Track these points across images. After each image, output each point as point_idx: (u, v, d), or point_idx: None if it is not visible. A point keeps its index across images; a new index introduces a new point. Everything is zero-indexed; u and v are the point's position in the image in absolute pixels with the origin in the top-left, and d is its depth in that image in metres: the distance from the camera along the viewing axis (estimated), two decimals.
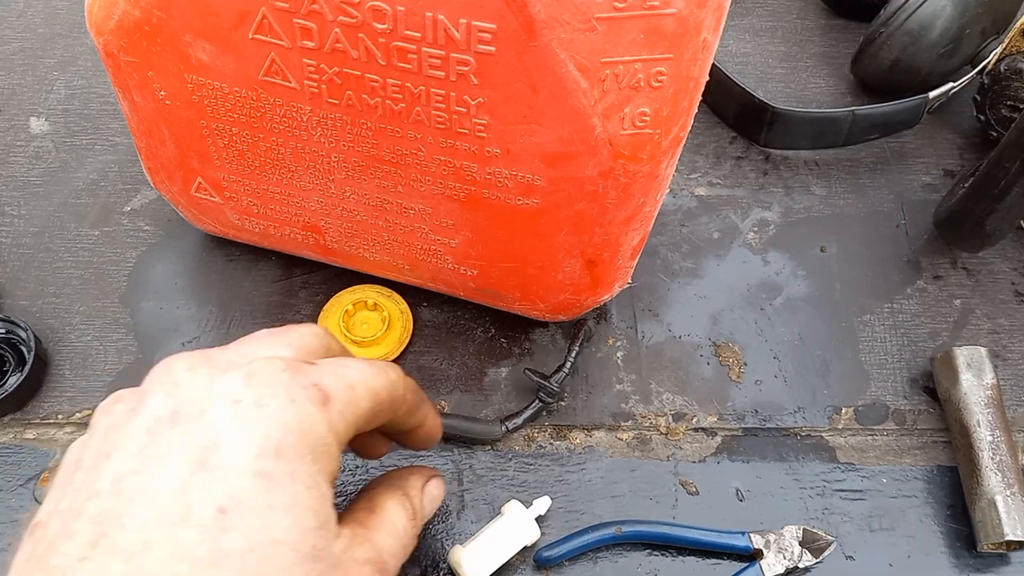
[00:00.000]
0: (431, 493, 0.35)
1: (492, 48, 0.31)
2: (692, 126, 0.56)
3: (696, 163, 0.55)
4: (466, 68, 0.32)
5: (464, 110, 0.34)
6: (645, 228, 0.40)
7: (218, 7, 0.33)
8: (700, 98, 0.35)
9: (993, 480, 0.42)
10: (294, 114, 0.37)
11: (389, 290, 0.48)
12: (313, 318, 0.47)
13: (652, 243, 0.51)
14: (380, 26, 0.32)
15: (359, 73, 0.34)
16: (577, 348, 0.45)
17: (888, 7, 0.53)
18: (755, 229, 0.53)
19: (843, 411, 0.46)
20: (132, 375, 0.46)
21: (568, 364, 0.45)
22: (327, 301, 0.48)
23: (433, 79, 0.33)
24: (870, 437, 0.46)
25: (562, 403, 0.46)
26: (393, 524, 0.31)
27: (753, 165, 0.55)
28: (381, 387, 0.30)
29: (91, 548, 0.23)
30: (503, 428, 0.43)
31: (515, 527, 0.40)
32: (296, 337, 0.30)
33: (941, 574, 0.42)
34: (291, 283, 0.49)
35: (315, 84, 0.35)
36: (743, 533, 0.42)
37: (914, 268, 0.51)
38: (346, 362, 0.29)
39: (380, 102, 0.35)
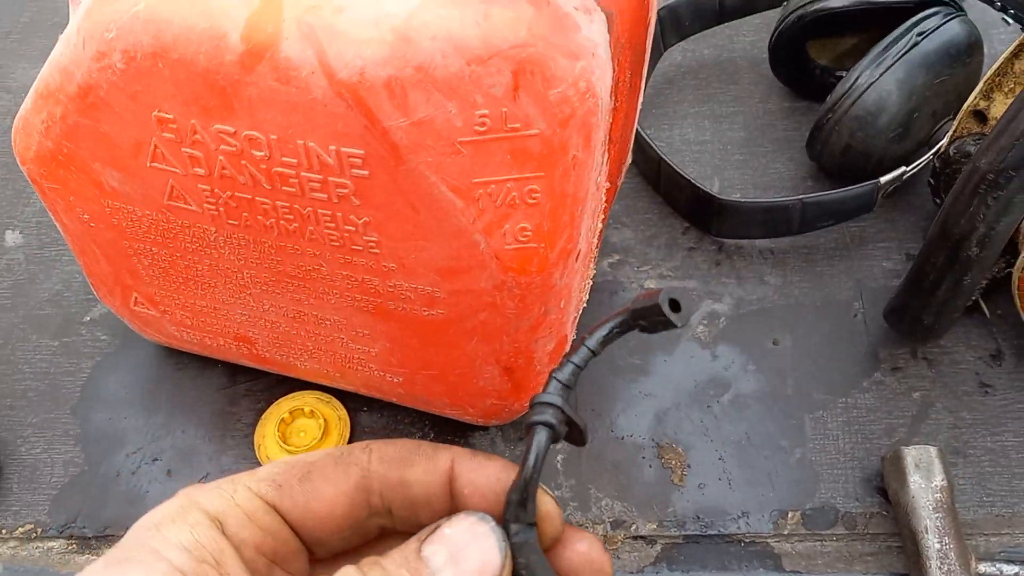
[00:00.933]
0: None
1: (365, 172, 0.32)
2: (645, 219, 0.56)
3: (648, 255, 0.55)
4: (345, 190, 0.33)
5: (353, 228, 0.35)
6: (558, 333, 0.40)
7: (116, 138, 0.35)
8: (585, 212, 0.35)
9: None
10: (202, 235, 0.38)
11: (329, 396, 0.48)
12: (254, 426, 0.48)
13: None
14: (258, 153, 0.33)
15: (250, 196, 0.35)
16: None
17: (834, 93, 0.53)
18: (705, 322, 0.51)
19: (790, 515, 0.44)
20: (76, 488, 0.46)
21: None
22: (268, 408, 0.48)
23: (318, 201, 0.34)
24: (818, 543, 0.44)
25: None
26: None
27: (705, 255, 0.55)
28: (304, 455, 0.26)
29: None
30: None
31: None
32: None
33: None
34: (235, 391, 0.50)
35: (214, 207, 0.36)
36: None
37: (872, 360, 0.50)
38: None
39: (275, 222, 0.36)
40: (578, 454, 0.47)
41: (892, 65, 0.52)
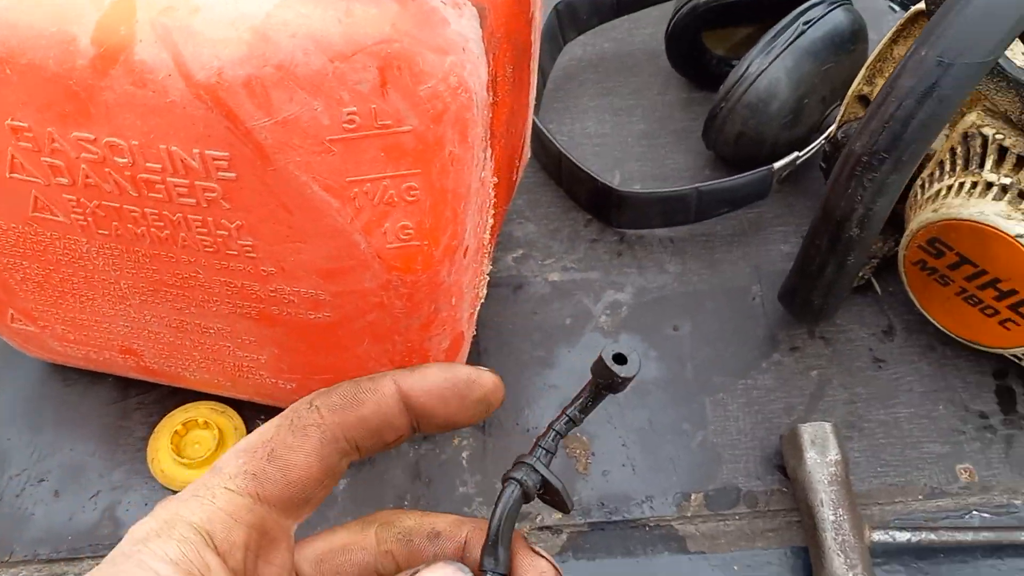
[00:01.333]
0: None
1: (232, 174, 0.31)
2: (548, 212, 0.56)
3: (551, 248, 0.55)
4: (213, 194, 0.32)
5: (226, 233, 0.34)
6: (452, 331, 0.40)
7: None
8: (469, 208, 0.35)
9: (836, 562, 0.40)
10: (73, 246, 0.36)
11: (224, 406, 0.47)
12: (147, 440, 0.46)
13: (504, 333, 0.51)
14: (121, 160, 0.31)
15: (117, 205, 0.33)
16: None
17: (726, 82, 0.54)
18: (608, 312, 0.52)
19: (693, 497, 0.45)
20: None
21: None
22: (160, 421, 0.46)
23: (187, 206, 0.33)
24: (721, 522, 0.44)
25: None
26: None
27: (608, 247, 0.55)
28: (259, 434, 0.27)
29: None
30: None
31: None
32: None
33: None
34: (126, 404, 0.48)
35: (81, 217, 0.35)
36: None
37: (770, 341, 0.51)
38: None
39: (145, 231, 0.34)
40: (484, 450, 0.46)
41: (780, 53, 0.53)
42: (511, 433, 0.47)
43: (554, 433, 0.27)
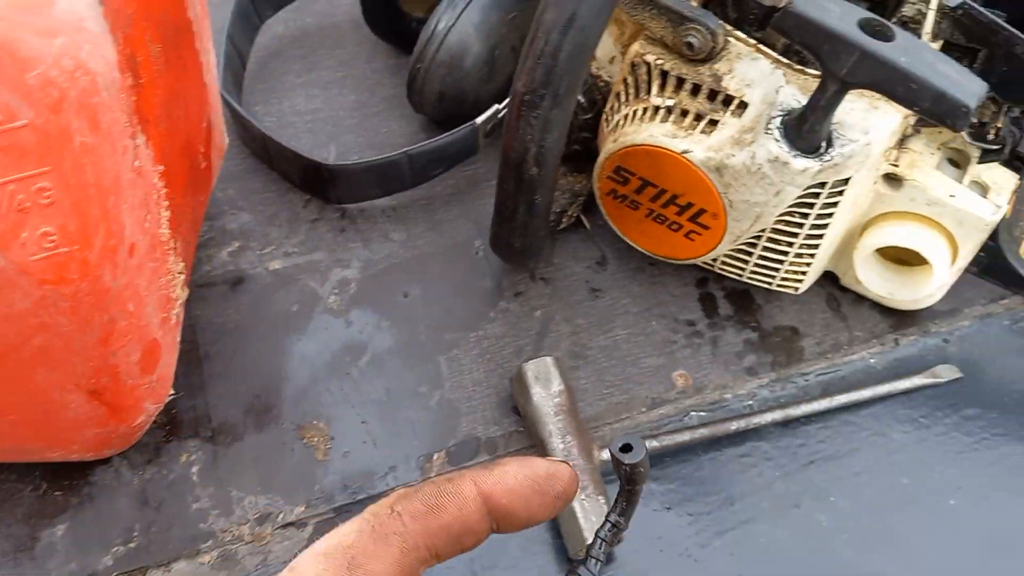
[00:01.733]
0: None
1: None
2: (263, 198, 0.55)
3: (269, 236, 0.53)
4: None
5: None
6: (142, 340, 0.37)
7: None
8: (123, 201, 0.33)
9: None
10: None
11: None
12: None
13: (226, 333, 0.49)
14: None
15: None
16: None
17: (419, 43, 0.54)
18: (336, 291, 0.51)
19: (435, 456, 0.46)
20: None
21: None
22: None
23: None
24: None
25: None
26: None
27: (329, 225, 0.54)
28: (340, 538, 0.26)
29: None
30: None
31: None
32: None
33: None
34: None
35: None
36: None
37: (496, 291, 0.52)
38: None
39: None
40: (215, 460, 0.45)
41: (465, 8, 0.54)
42: (242, 437, 0.46)
43: (600, 541, 0.29)
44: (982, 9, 0.43)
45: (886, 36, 0.36)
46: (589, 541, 0.40)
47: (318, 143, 0.58)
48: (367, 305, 0.51)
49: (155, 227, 0.36)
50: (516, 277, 0.53)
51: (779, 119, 0.41)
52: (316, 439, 0.46)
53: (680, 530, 0.44)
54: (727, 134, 0.43)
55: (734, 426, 0.47)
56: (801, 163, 0.41)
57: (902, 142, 0.46)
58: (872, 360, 0.51)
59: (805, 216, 0.45)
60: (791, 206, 0.44)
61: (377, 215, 0.55)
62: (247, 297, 0.50)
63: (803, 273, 0.49)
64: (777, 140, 0.41)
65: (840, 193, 0.44)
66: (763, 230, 0.46)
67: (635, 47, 0.46)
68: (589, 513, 0.42)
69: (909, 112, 0.43)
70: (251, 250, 0.53)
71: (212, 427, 0.46)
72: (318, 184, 0.54)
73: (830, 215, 0.45)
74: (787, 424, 0.49)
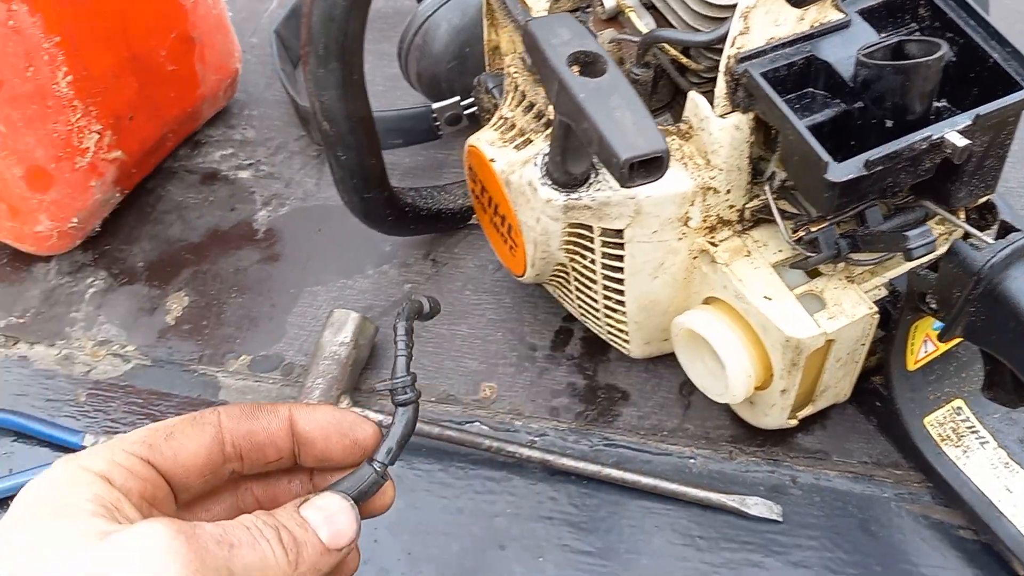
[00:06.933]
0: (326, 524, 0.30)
1: None
2: (276, 124, 0.65)
3: (256, 153, 0.63)
4: None
5: None
6: (21, 160, 0.49)
7: None
8: None
9: None
10: None
11: None
12: None
13: (178, 208, 0.60)
14: None
15: None
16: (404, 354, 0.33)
17: (406, 25, 0.59)
18: (270, 208, 0.60)
19: (242, 357, 0.52)
20: None
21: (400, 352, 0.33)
22: None
23: None
24: (255, 382, 0.52)
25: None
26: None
27: (304, 158, 0.63)
28: (162, 422, 0.31)
29: None
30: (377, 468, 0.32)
31: None
32: None
33: None
34: None
35: None
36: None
37: (390, 256, 0.57)
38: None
39: None
40: (106, 288, 0.56)
41: (447, 2, 0.57)
42: (134, 283, 0.56)
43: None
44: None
45: (593, 72, 0.34)
46: None
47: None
48: (288, 228, 0.59)
49: (44, 80, 0.48)
50: (414, 250, 0.57)
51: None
52: (175, 305, 0.55)
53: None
54: (528, 153, 0.43)
55: (486, 443, 0.47)
56: (546, 192, 0.40)
57: (751, 226, 0.42)
58: (692, 460, 0.47)
59: (592, 261, 0.43)
60: (568, 244, 0.43)
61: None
62: (213, 191, 0.61)
63: (623, 332, 0.47)
64: (536, 165, 0.41)
65: (619, 246, 0.41)
66: (563, 266, 0.45)
67: (508, 58, 0.47)
68: None
69: (708, 184, 0.40)
70: (236, 158, 0.63)
71: (123, 267, 0.57)
72: (305, 122, 0.63)
73: (619, 268, 0.43)
74: (552, 472, 0.47)
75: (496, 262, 0.54)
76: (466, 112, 0.59)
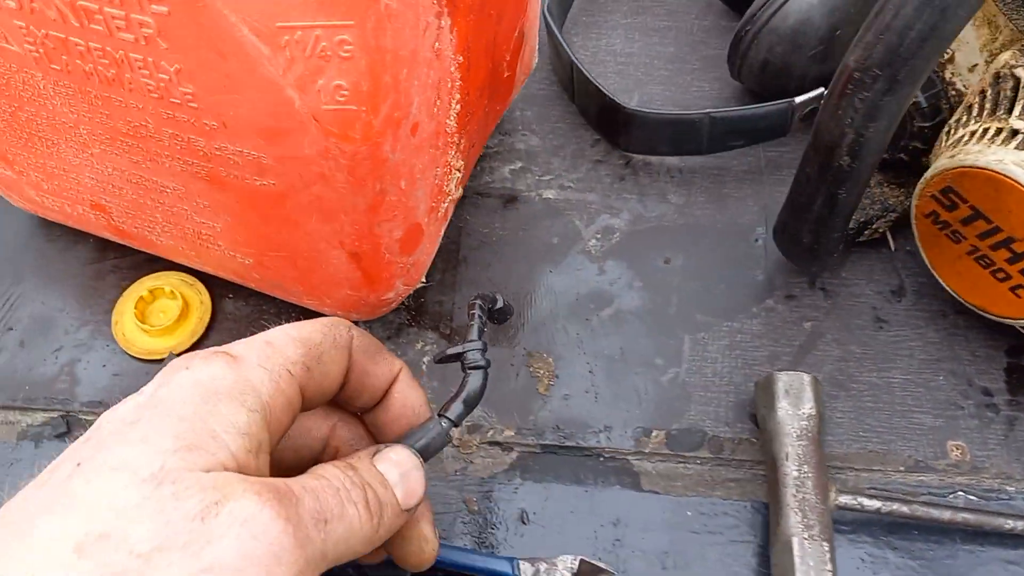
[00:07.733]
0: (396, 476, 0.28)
1: (164, 8, 0.30)
2: (555, 128, 0.54)
3: (551, 165, 0.52)
4: (150, 30, 0.31)
5: (167, 77, 0.32)
6: (406, 220, 0.38)
7: None
8: (414, 76, 0.32)
9: (792, 520, 0.37)
10: (32, 81, 0.36)
11: (194, 279, 0.46)
12: (115, 302, 0.46)
13: (486, 244, 0.49)
14: None
15: (63, 36, 0.33)
16: (476, 322, 0.34)
17: (755, 3, 0.50)
18: (598, 236, 0.49)
19: (654, 433, 0.42)
20: None
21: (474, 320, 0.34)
22: (130, 286, 0.46)
23: (127, 42, 0.32)
24: (680, 464, 0.42)
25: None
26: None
27: (611, 169, 0.52)
28: (310, 332, 0.28)
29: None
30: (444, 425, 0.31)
31: None
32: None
33: None
34: (102, 266, 0.48)
35: (34, 48, 0.34)
36: (511, 560, 0.38)
37: (766, 287, 0.47)
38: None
39: (93, 68, 0.34)
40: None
41: None
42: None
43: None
44: None
45: None
46: None
47: (624, 87, 0.56)
48: (625, 259, 0.48)
49: (443, 115, 0.36)
50: (792, 278, 0.47)
51: None
52: (542, 371, 0.44)
53: None
54: None
55: (1009, 524, 0.39)
56: None
57: None
58: None
59: None
60: None
61: (661, 172, 0.52)
62: (515, 216, 0.50)
63: None
64: None
65: None
66: None
67: (1005, 56, 0.38)
68: (807, 556, 0.36)
69: None
70: (531, 173, 0.52)
71: (452, 325, 0.46)
72: (611, 126, 0.52)
73: None
74: None
75: (887, 284, 0.47)
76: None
